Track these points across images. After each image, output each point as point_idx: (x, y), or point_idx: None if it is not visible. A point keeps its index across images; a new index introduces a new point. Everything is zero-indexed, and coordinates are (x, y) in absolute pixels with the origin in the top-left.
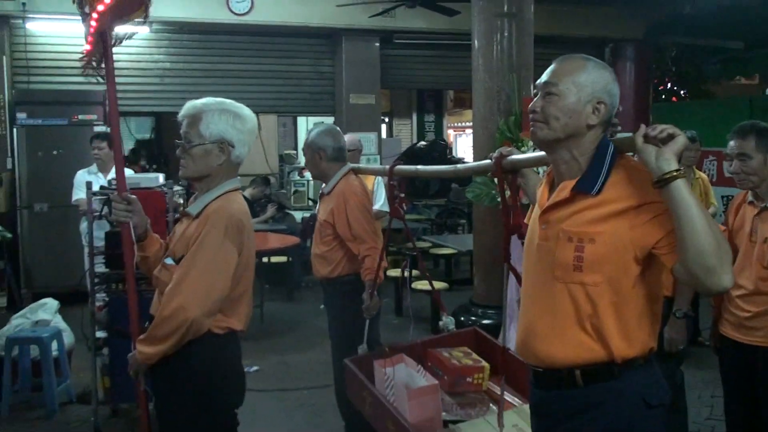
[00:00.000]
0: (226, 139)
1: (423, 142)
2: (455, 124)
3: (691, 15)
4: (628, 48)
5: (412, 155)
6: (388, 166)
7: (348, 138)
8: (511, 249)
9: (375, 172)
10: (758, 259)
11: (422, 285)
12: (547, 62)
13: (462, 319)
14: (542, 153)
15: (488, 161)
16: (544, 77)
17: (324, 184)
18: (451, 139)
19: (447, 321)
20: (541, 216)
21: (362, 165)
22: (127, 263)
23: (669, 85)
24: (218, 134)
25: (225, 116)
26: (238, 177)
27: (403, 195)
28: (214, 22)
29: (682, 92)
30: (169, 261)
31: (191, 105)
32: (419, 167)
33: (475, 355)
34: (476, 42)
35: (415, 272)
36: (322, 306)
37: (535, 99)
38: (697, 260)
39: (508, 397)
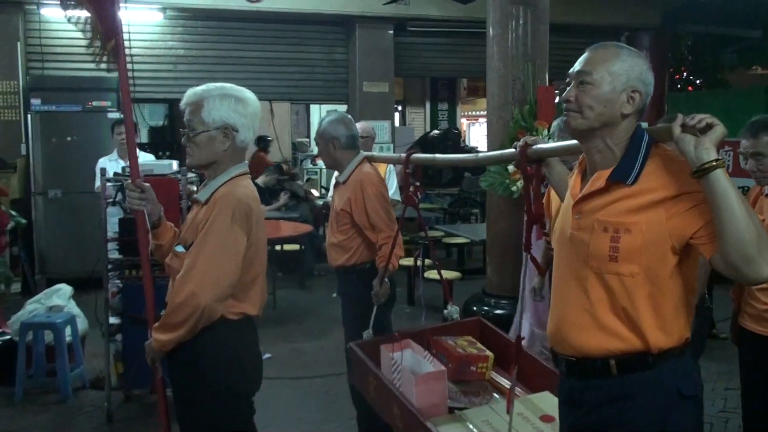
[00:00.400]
0: (229, 124)
1: (436, 131)
2: (468, 113)
3: (708, 3)
4: (644, 36)
5: (425, 144)
6: (403, 154)
7: (361, 125)
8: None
9: (390, 161)
10: None
11: (435, 274)
12: (562, 50)
13: (474, 308)
14: (568, 142)
15: (512, 150)
16: (577, 66)
17: (338, 173)
18: (464, 127)
19: (452, 310)
20: (574, 206)
21: (376, 153)
22: (142, 251)
23: (685, 74)
24: (221, 120)
25: (227, 101)
26: (246, 161)
27: (418, 183)
28: (228, 9)
29: (697, 81)
30: (179, 248)
31: (192, 92)
32: (437, 155)
33: (479, 345)
34: (491, 30)
35: (428, 261)
36: (334, 294)
37: (568, 88)
38: (737, 250)
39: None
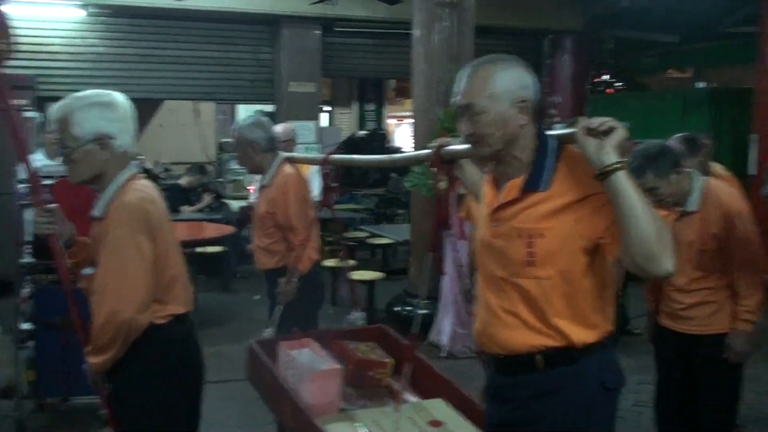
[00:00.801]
0: (102, 134)
1: (362, 132)
2: (396, 114)
3: (629, 8)
4: (567, 40)
5: (351, 144)
6: (322, 155)
7: (281, 128)
8: (442, 240)
9: (310, 161)
10: (687, 262)
11: (359, 275)
12: (486, 52)
13: (397, 309)
14: None
15: (428, 151)
16: (460, 98)
17: (261, 177)
18: (392, 128)
19: (357, 316)
20: (491, 214)
21: (296, 154)
22: (61, 275)
23: (606, 77)
24: (93, 131)
25: (94, 110)
26: (133, 162)
27: (335, 185)
28: (152, 7)
29: (618, 84)
30: (88, 271)
31: (56, 108)
32: (354, 156)
33: (380, 351)
34: (417, 31)
35: (352, 262)
36: (257, 296)
37: (462, 120)
38: (640, 249)
39: (407, 395)
